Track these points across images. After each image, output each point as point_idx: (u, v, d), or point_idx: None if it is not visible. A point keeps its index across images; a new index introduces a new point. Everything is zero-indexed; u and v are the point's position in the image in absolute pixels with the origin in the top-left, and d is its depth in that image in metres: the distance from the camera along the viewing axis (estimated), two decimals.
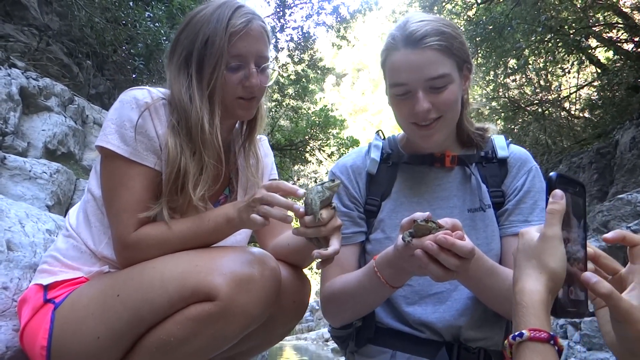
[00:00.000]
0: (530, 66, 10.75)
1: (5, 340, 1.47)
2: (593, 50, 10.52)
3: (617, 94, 9.37)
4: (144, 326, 1.32)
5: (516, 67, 10.79)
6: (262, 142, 1.83)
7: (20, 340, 1.46)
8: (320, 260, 1.33)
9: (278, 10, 14.74)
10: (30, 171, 3.14)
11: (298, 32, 15.38)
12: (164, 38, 6.25)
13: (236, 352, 1.54)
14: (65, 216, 2.78)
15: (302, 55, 15.82)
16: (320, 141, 15.49)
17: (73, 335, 1.34)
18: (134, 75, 6.81)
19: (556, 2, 9.38)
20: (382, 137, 1.80)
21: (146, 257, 1.38)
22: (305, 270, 1.66)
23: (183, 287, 1.29)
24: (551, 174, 0.90)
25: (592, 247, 0.92)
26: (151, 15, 6.39)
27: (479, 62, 11.11)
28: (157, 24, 6.34)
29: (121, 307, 1.32)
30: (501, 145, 1.69)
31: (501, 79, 11.59)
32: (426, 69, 1.49)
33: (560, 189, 0.88)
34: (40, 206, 3.01)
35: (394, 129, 1.71)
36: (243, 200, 1.41)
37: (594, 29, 9.73)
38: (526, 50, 9.86)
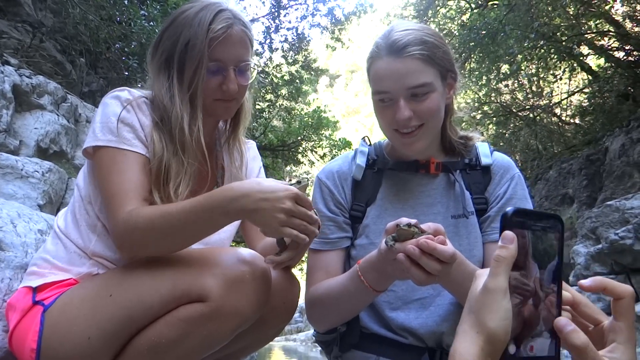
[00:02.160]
0: (522, 72, 10.84)
1: None
2: (584, 58, 10.62)
3: (607, 101, 9.46)
4: (135, 327, 1.32)
5: (508, 73, 10.87)
6: (251, 146, 1.84)
7: (9, 343, 1.45)
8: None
9: (273, 10, 14.72)
10: (22, 170, 3.13)
11: (292, 33, 15.36)
12: None
13: (226, 353, 1.54)
14: (56, 216, 2.78)
15: (296, 56, 15.80)
16: (313, 142, 15.49)
17: (63, 337, 1.33)
18: (126, 73, 6.79)
19: (549, 9, 9.45)
20: (368, 143, 1.82)
21: (136, 236, 1.32)
22: (295, 271, 1.68)
23: (174, 288, 1.29)
24: (507, 209, 0.73)
25: (572, 291, 0.79)
26: (146, 14, 6.37)
27: (472, 66, 11.19)
28: (151, 23, 6.33)
29: (113, 307, 1.32)
30: (485, 152, 1.71)
31: (493, 84, 11.67)
32: (408, 78, 1.51)
33: (518, 227, 0.72)
34: (32, 205, 2.99)
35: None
36: (239, 191, 1.28)
37: (585, 36, 9.83)
38: (519, 56, 9.92)
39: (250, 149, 1.83)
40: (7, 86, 3.54)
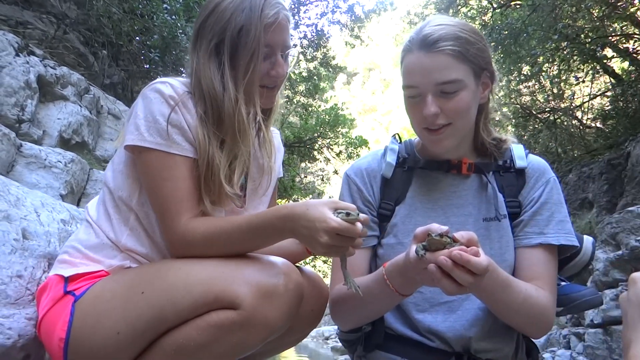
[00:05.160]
0: (544, 73, 10.68)
1: (18, 329, 1.47)
2: (608, 60, 10.44)
3: (630, 105, 9.28)
4: (164, 326, 1.31)
5: (530, 74, 10.73)
6: (275, 135, 1.83)
7: (37, 330, 1.46)
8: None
9: (293, 7, 14.73)
10: (45, 160, 3.17)
11: (312, 30, 15.38)
12: (180, 31, 6.26)
13: (248, 356, 1.54)
14: (77, 206, 2.80)
15: (314, 53, 15.81)
16: (329, 139, 15.51)
17: (93, 329, 1.33)
18: (147, 66, 6.83)
19: (573, 11, 9.30)
20: (399, 141, 1.78)
21: (195, 251, 1.38)
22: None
23: (208, 292, 1.28)
24: None
25: None
26: (168, 7, 6.39)
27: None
28: (174, 17, 6.35)
29: (145, 305, 1.31)
30: (520, 155, 1.66)
31: (514, 85, 11.52)
32: (437, 73, 1.47)
33: None
34: (54, 195, 3.03)
35: (402, 130, 1.69)
36: (291, 212, 1.32)
37: (610, 39, 9.66)
38: (541, 57, 9.78)
39: (275, 138, 1.82)
40: (32, 76, 3.58)
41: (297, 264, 1.58)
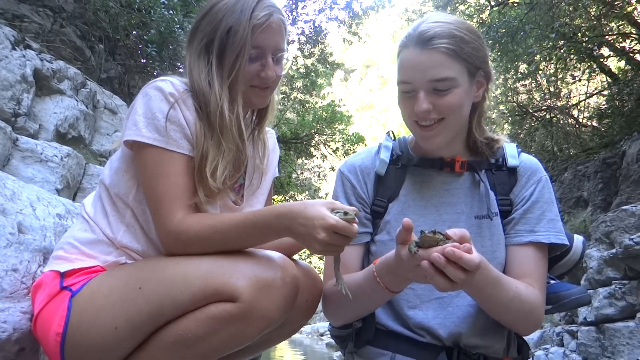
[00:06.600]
0: (540, 72, 10.71)
1: (13, 322, 1.47)
2: (605, 59, 10.47)
3: (626, 104, 9.32)
4: (163, 320, 1.32)
5: (527, 73, 10.76)
6: (271, 136, 1.84)
7: (33, 326, 1.46)
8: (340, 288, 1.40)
9: (291, 2, 14.72)
10: (41, 154, 3.17)
11: (309, 26, 15.37)
12: (177, 26, 6.24)
13: (243, 348, 1.55)
14: (73, 200, 2.80)
15: (312, 49, 15.81)
16: (326, 136, 15.51)
17: (91, 324, 1.34)
18: (143, 61, 6.81)
19: (570, 10, 9.33)
20: (393, 138, 1.79)
21: (189, 250, 1.39)
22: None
23: (206, 286, 1.29)
24: None
25: None
26: (165, 2, 6.37)
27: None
28: (171, 12, 6.33)
29: (143, 301, 1.32)
30: (512, 153, 1.68)
31: (510, 83, 11.55)
32: (430, 70, 1.49)
33: None
34: (50, 189, 3.03)
35: (399, 127, 1.70)
36: (289, 210, 1.34)
37: (607, 38, 9.69)
38: (537, 55, 9.81)
39: (271, 138, 1.84)
40: (28, 70, 3.58)
41: (292, 257, 1.60)
